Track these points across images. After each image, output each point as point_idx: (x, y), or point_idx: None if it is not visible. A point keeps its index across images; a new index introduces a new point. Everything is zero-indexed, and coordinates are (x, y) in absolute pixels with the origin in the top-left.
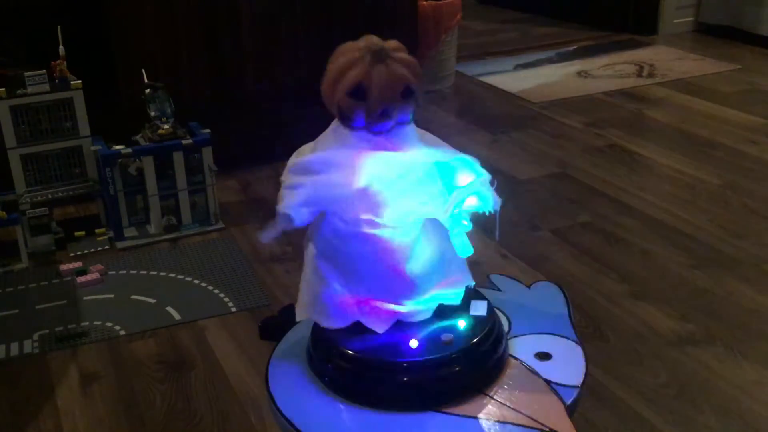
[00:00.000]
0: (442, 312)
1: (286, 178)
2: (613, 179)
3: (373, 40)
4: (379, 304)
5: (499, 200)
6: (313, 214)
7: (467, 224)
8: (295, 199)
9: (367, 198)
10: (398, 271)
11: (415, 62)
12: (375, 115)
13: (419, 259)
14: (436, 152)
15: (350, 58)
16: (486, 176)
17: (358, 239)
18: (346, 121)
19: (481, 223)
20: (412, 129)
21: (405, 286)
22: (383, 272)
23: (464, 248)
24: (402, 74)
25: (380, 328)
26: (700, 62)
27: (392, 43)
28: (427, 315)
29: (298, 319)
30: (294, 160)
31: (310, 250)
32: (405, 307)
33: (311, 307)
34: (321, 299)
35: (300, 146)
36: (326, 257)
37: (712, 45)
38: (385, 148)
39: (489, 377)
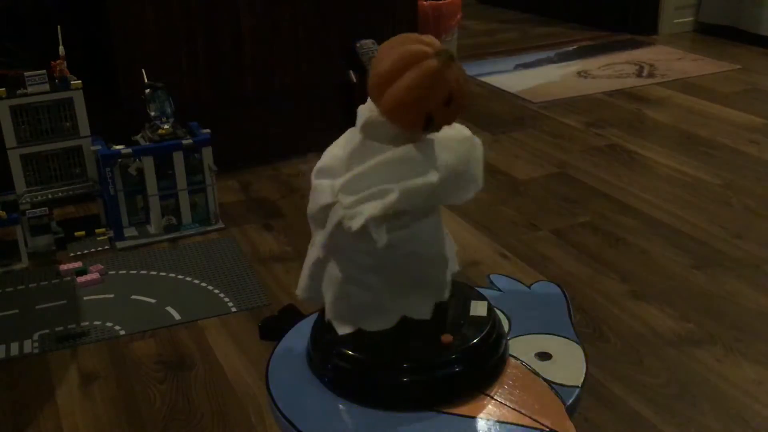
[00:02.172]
0: (443, 312)
1: (344, 199)
2: (613, 179)
3: (432, 40)
4: (422, 296)
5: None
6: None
7: None
8: (386, 203)
9: (444, 186)
10: (443, 256)
11: None
12: (455, 117)
13: (444, 238)
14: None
15: (428, 67)
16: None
17: (409, 239)
18: (425, 129)
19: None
20: None
21: (444, 269)
22: (432, 263)
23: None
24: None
25: (427, 314)
26: (700, 62)
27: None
28: (450, 290)
29: (343, 333)
30: (342, 181)
31: (345, 266)
32: (441, 291)
33: (357, 318)
34: (369, 308)
35: (299, 147)
36: (375, 271)
37: (712, 45)
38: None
39: (489, 377)
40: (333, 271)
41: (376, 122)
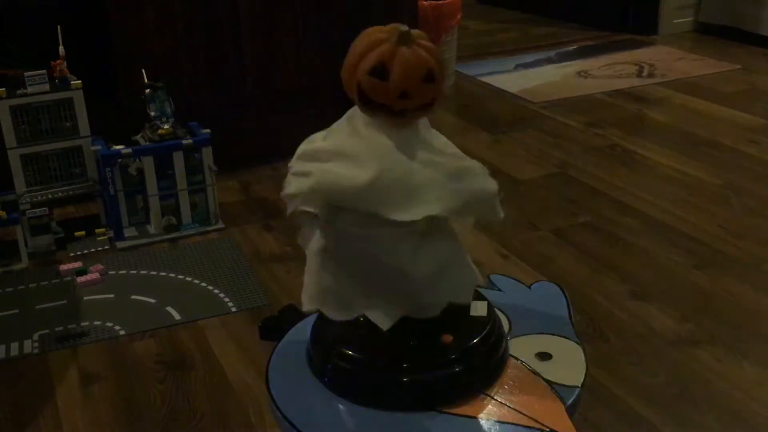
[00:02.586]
0: (443, 312)
1: (294, 163)
2: (613, 179)
3: (399, 25)
4: (385, 302)
5: (501, 213)
6: (326, 206)
7: None
8: (302, 185)
9: (375, 193)
10: (405, 272)
11: (438, 50)
12: (395, 95)
13: (428, 258)
14: (445, 158)
15: (374, 39)
16: (495, 187)
17: (364, 240)
18: (366, 102)
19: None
20: (426, 121)
21: (413, 288)
22: (390, 274)
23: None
24: (425, 58)
25: (385, 324)
26: (700, 62)
27: (416, 31)
28: (435, 312)
29: (305, 309)
30: (303, 147)
31: (315, 244)
32: (412, 307)
33: (318, 298)
34: (328, 292)
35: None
36: (334, 256)
37: (712, 45)
38: (399, 141)
39: (489, 377)
40: (311, 246)
41: (356, 111)
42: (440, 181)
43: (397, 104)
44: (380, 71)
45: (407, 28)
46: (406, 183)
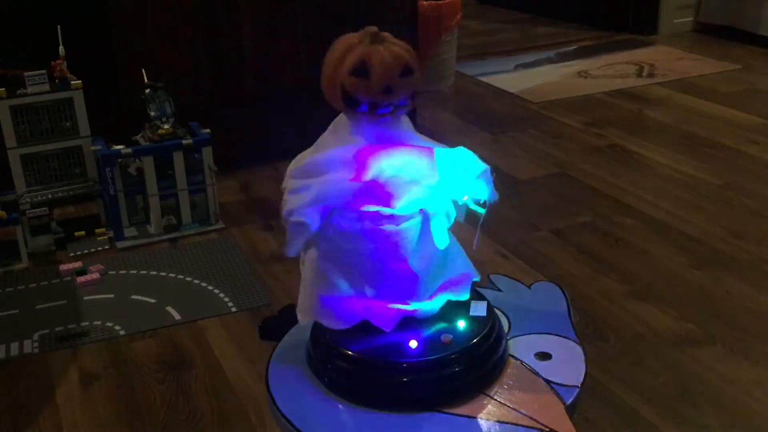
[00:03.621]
0: (443, 312)
1: (288, 183)
2: (613, 179)
3: (369, 27)
4: (384, 303)
5: (496, 194)
6: (323, 216)
7: (479, 211)
8: (303, 201)
9: (371, 192)
10: (403, 267)
11: (410, 48)
12: (379, 91)
13: (423, 254)
14: (436, 145)
15: (349, 43)
16: (487, 167)
17: (361, 236)
18: (351, 103)
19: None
20: (408, 121)
21: (410, 283)
22: (388, 269)
23: (441, 239)
24: (400, 53)
25: (387, 326)
26: (700, 62)
27: (386, 33)
28: (434, 311)
29: (301, 322)
30: (294, 165)
31: (311, 253)
32: (411, 306)
33: (315, 309)
34: (326, 301)
35: (299, 147)
36: (329, 258)
37: (712, 45)
38: (386, 141)
39: (489, 377)
40: (310, 254)
41: (341, 120)
42: (430, 174)
43: (381, 99)
44: (361, 70)
45: (377, 29)
46: (399, 179)
